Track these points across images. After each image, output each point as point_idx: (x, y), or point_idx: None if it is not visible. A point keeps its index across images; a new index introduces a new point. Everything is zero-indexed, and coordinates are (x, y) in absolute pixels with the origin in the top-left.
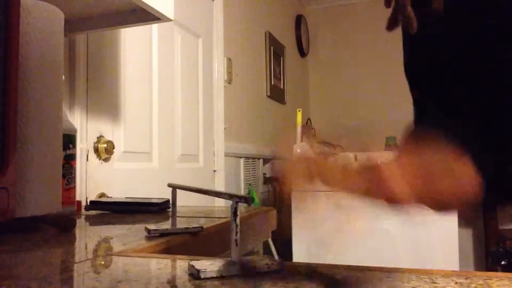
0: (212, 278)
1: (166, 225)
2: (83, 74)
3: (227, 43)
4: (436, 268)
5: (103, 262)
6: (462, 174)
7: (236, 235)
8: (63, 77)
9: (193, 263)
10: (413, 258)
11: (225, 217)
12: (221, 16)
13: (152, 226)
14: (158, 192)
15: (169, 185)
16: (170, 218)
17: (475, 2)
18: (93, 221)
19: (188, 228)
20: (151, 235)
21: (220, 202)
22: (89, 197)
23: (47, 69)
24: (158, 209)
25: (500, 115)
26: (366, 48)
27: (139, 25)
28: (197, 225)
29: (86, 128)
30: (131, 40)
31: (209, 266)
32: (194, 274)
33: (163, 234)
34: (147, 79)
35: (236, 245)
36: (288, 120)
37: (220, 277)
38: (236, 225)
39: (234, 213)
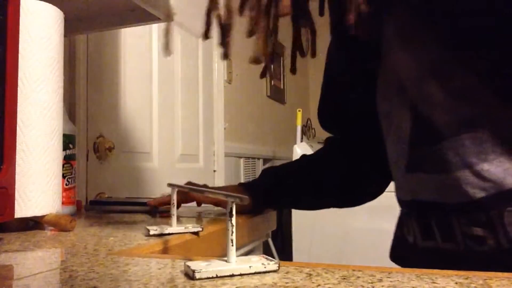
0: (207, 278)
1: (166, 225)
2: (83, 74)
3: None
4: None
5: (103, 262)
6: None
7: (232, 235)
8: (63, 77)
9: (188, 263)
10: None
11: (225, 217)
12: None
13: (152, 226)
14: (158, 192)
15: (169, 185)
16: (170, 218)
17: None
18: (93, 221)
19: (188, 228)
20: (151, 235)
21: None
22: (89, 197)
23: (47, 69)
24: (158, 209)
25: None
26: None
27: (139, 25)
28: (197, 225)
29: (86, 128)
30: (131, 40)
31: (205, 266)
32: (190, 275)
33: (163, 234)
34: (147, 79)
35: (232, 245)
36: (288, 120)
37: (216, 277)
38: (232, 225)
39: (230, 213)
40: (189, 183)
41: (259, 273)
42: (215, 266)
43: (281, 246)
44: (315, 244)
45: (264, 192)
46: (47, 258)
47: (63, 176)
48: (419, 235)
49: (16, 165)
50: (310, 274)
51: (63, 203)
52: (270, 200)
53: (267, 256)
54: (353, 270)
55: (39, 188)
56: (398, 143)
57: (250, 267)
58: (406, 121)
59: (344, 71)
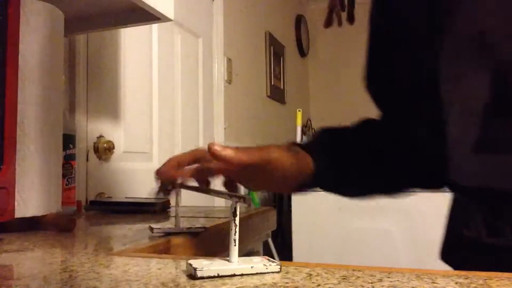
0: (209, 277)
1: (169, 225)
2: (83, 74)
3: (227, 43)
4: (436, 268)
5: (103, 262)
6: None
7: (235, 235)
8: (63, 77)
9: (191, 262)
10: (413, 258)
11: (225, 217)
12: (221, 16)
13: (155, 225)
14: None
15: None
16: (174, 218)
17: None
18: (93, 221)
19: (191, 228)
20: (154, 234)
21: (220, 202)
22: (89, 197)
23: (47, 69)
24: (158, 209)
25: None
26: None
27: (139, 25)
28: (200, 225)
29: (86, 128)
30: (131, 40)
31: (207, 265)
32: (192, 273)
33: (167, 233)
34: (147, 79)
35: (235, 245)
36: (288, 120)
37: (218, 276)
38: (235, 225)
39: (234, 213)
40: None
41: (261, 273)
42: (217, 266)
43: (281, 246)
44: (315, 244)
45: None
46: (47, 258)
47: (63, 176)
48: (485, 229)
49: (16, 165)
50: (310, 274)
51: (63, 203)
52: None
53: (269, 258)
54: (353, 270)
55: (39, 188)
56: (467, 114)
57: (252, 267)
58: (484, 87)
59: (402, 25)
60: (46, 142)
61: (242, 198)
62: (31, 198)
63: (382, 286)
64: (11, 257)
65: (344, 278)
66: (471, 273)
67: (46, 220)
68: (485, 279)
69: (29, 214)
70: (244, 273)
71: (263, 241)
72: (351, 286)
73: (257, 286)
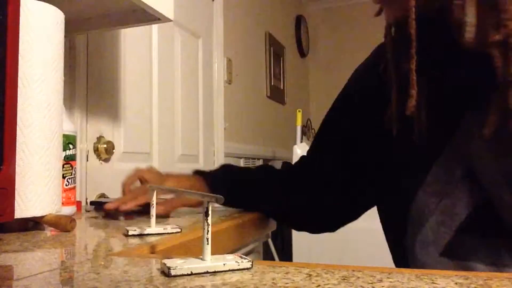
0: (182, 275)
1: (145, 226)
2: (83, 74)
3: (227, 43)
4: (435, 268)
5: (103, 262)
6: None
7: (207, 234)
8: (63, 77)
9: (165, 261)
10: None
11: (225, 217)
12: (221, 16)
13: (131, 227)
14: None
15: (150, 187)
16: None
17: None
18: (93, 221)
19: (167, 229)
20: (129, 235)
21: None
22: (89, 197)
23: (47, 69)
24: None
25: None
26: (366, 48)
27: (139, 25)
28: (176, 226)
29: (86, 128)
30: (131, 40)
31: (181, 264)
32: (166, 272)
33: (142, 234)
34: (147, 79)
35: (208, 243)
36: (288, 120)
37: (191, 274)
38: (208, 224)
39: (206, 213)
40: (151, 167)
41: (233, 270)
42: (190, 264)
43: (281, 246)
44: (315, 244)
45: (227, 190)
46: (47, 258)
47: (63, 177)
48: None
49: (16, 165)
50: (310, 275)
51: (63, 203)
52: (233, 198)
53: (241, 255)
54: (353, 270)
55: (39, 189)
56: (442, 224)
57: (224, 264)
58: (464, 208)
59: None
60: (46, 143)
61: (214, 198)
62: (31, 198)
63: (382, 286)
64: (11, 257)
65: (344, 278)
66: (471, 273)
67: (46, 220)
68: (485, 279)
69: (29, 214)
70: (216, 270)
71: (263, 241)
72: (351, 286)
73: (255, 285)
